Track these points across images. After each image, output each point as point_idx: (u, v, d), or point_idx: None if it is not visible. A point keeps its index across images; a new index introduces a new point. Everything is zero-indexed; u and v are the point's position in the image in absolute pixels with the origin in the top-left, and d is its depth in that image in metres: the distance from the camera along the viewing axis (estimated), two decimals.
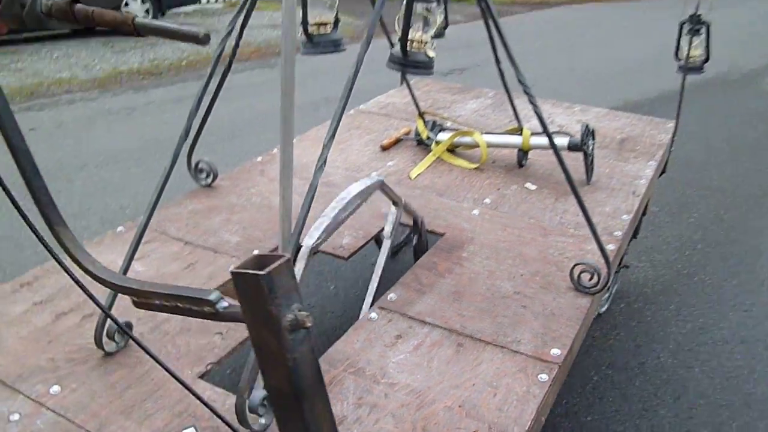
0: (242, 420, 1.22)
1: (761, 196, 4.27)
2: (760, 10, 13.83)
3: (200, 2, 11.01)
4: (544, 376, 1.40)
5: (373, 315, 1.60)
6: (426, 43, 1.81)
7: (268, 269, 0.58)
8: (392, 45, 2.45)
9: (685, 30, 2.72)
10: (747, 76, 7.68)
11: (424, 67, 1.80)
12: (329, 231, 1.52)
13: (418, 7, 1.79)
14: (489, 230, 2.02)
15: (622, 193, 2.28)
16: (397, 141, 2.66)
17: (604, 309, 2.97)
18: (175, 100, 6.15)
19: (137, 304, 0.69)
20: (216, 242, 1.90)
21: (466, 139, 2.51)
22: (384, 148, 2.60)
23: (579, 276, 1.71)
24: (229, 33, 1.59)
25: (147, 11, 9.18)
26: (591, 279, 1.69)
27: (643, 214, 2.71)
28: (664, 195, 4.16)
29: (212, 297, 0.62)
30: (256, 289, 0.59)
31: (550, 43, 9.41)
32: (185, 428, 1.24)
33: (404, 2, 1.79)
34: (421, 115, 2.66)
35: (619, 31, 10.67)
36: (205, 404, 0.81)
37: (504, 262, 1.84)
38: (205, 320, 1.44)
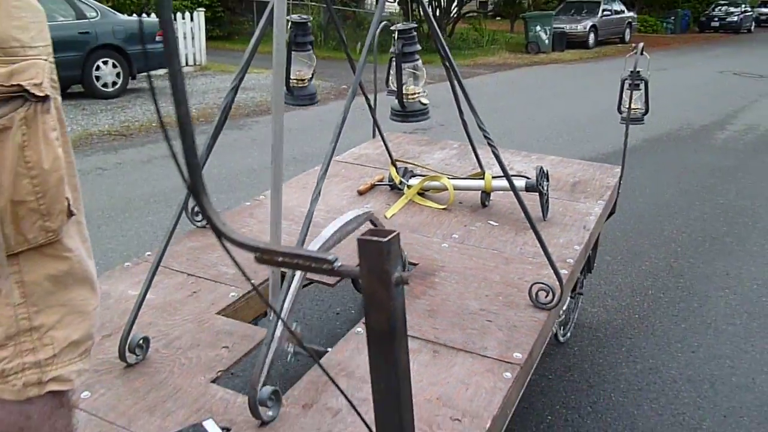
0: (254, 412, 1.39)
1: (710, 245, 4.49)
2: (712, 72, 14.50)
3: None
4: (508, 374, 1.61)
5: (359, 329, 1.80)
6: (418, 93, 2.17)
7: (387, 238, 0.80)
8: (368, 100, 2.67)
9: (626, 85, 2.97)
10: (698, 133, 8.07)
11: (422, 113, 2.18)
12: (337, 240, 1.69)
13: (407, 66, 2.13)
14: (457, 260, 2.22)
15: (574, 227, 2.53)
16: (373, 186, 2.88)
17: (565, 338, 3.22)
18: (145, 161, 6.28)
19: (260, 260, 0.82)
20: (215, 273, 2.08)
21: (435, 183, 2.75)
22: (361, 193, 2.81)
23: (537, 294, 1.94)
24: (232, 89, 1.76)
25: (118, 75, 9.37)
26: (547, 296, 1.93)
27: (595, 248, 3.02)
28: (618, 245, 4.36)
29: (331, 257, 0.78)
30: (378, 252, 0.80)
31: (513, 103, 9.78)
32: (204, 419, 1.39)
33: (394, 64, 2.11)
34: (393, 163, 2.89)
35: (578, 91, 11.10)
36: None
37: (471, 285, 2.06)
38: (212, 335, 1.67)
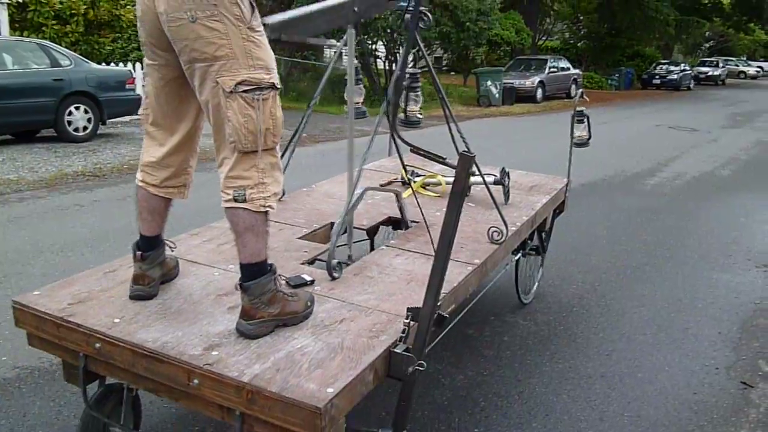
0: (329, 272, 2.60)
1: (631, 272, 5.12)
2: (649, 125, 15.54)
3: (138, 113, 11.71)
4: (469, 268, 2.80)
5: (384, 248, 3.04)
6: (417, 111, 3.49)
7: (473, 155, 2.02)
8: (389, 120, 3.64)
9: (574, 120, 4.05)
10: (630, 179, 8.83)
11: (417, 123, 3.54)
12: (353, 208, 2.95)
13: (411, 95, 3.46)
14: (442, 220, 3.51)
15: (525, 209, 3.73)
16: (390, 182, 4.10)
17: (528, 301, 4.40)
18: (120, 199, 6.72)
19: (413, 152, 2.74)
20: (290, 222, 3.33)
21: (433, 180, 3.99)
22: (382, 186, 3.98)
23: (492, 234, 3.13)
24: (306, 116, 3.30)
25: (89, 120, 9.80)
26: (498, 236, 3.12)
27: (548, 235, 4.37)
28: (550, 272, 4.95)
29: (447, 158, 2.71)
30: (467, 159, 1.99)
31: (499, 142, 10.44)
32: (301, 274, 2.60)
33: (403, 93, 3.36)
34: (404, 167, 3.78)
35: (527, 141, 11.89)
36: None
37: None
38: (296, 246, 2.97)
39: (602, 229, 6.28)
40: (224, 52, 1.98)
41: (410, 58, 3.29)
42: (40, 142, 9.73)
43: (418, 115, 3.37)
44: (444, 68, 29.29)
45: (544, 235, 4.26)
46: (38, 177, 7.54)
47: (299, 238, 3.06)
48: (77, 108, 9.65)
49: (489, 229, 3.12)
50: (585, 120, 3.98)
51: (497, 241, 3.08)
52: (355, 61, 3.12)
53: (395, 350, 2.07)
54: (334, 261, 2.61)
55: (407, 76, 3.32)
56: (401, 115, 3.39)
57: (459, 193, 1.98)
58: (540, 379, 3.43)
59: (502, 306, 4.34)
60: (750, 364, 3.70)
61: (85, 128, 9.82)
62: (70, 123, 9.63)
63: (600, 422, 3.07)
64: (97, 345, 2.10)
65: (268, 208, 2.11)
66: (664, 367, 3.61)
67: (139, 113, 2.37)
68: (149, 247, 2.37)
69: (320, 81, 3.33)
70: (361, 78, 3.31)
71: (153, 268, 2.37)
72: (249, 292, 2.11)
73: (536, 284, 4.56)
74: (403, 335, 2.11)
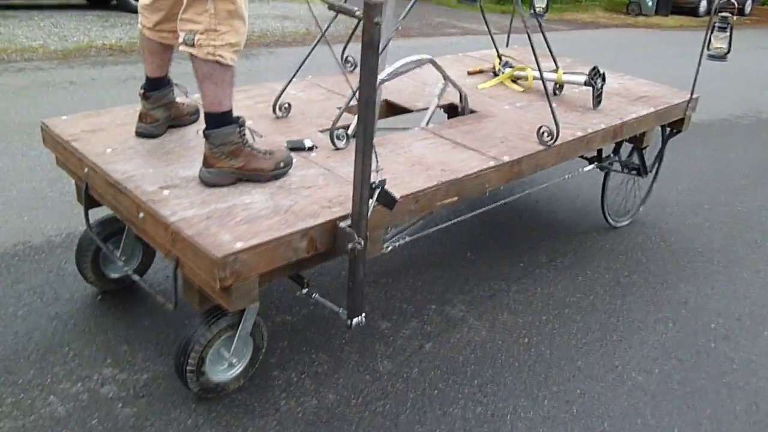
0: (332, 141, 2.52)
1: (687, 262, 3.67)
2: None
3: None
4: (492, 163, 2.52)
5: (415, 129, 2.84)
6: None
7: (380, 3, 1.70)
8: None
9: (714, 27, 3.39)
10: (761, 123, 6.93)
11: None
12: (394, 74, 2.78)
13: None
14: (508, 114, 3.15)
15: (611, 117, 3.24)
16: (481, 71, 3.86)
17: (620, 225, 3.97)
18: (121, 80, 5.89)
19: (330, 8, 1.96)
20: (348, 94, 3.11)
21: (521, 73, 3.66)
22: (469, 74, 3.83)
23: (542, 134, 2.78)
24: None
25: None
26: (549, 137, 2.76)
27: (659, 153, 3.88)
28: (573, 248, 3.63)
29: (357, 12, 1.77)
30: (374, 7, 1.68)
31: (632, 56, 8.83)
32: (303, 139, 2.55)
33: None
34: (499, 56, 3.88)
35: (653, 61, 9.86)
36: None
37: (505, 126, 2.96)
38: (330, 115, 2.79)
39: (682, 191, 4.71)
40: None
41: None
42: (107, 10, 9.11)
43: None
44: None
45: (645, 154, 3.74)
46: (61, 47, 6.84)
47: (339, 107, 2.88)
48: None
49: (539, 129, 2.79)
50: (728, 29, 3.45)
51: (546, 142, 2.77)
52: None
53: (340, 225, 1.99)
54: (339, 130, 2.56)
55: None
56: None
57: (368, 43, 1.75)
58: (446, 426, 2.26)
59: (455, 290, 3.12)
60: None
61: None
62: None
63: None
64: (86, 170, 2.25)
65: (218, 58, 2.02)
66: None
67: None
68: (152, 87, 2.44)
69: None
70: None
71: (156, 109, 2.46)
72: (209, 140, 2.13)
73: (637, 210, 4.09)
74: None
